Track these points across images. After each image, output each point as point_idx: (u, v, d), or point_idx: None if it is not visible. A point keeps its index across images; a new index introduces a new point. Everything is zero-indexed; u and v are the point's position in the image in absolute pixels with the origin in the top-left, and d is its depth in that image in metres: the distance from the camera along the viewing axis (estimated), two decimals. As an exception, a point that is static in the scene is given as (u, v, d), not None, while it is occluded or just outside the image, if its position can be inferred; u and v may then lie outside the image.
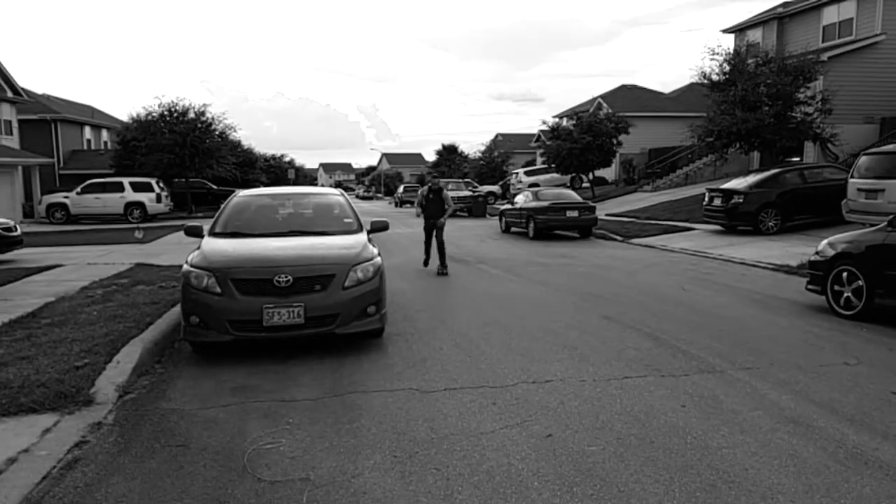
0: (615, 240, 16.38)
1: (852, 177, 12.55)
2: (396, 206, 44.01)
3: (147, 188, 26.28)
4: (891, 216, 6.67)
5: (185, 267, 5.78)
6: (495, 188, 36.45)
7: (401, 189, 47.02)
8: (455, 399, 4.59)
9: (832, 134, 19.31)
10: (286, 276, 5.49)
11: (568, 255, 13.23)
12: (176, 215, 27.73)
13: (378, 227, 7.22)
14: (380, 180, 79.80)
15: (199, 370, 5.39)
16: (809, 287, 7.73)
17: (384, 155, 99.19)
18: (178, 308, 6.40)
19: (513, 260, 12.63)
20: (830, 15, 23.93)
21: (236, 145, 34.24)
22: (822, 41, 23.89)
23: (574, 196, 18.21)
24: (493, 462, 3.58)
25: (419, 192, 11.57)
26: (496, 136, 57.12)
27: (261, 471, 3.50)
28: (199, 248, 6.14)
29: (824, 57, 21.10)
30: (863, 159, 12.54)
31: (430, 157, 60.43)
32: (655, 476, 3.39)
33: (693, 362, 5.40)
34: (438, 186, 11.29)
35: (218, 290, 5.48)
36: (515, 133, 60.18)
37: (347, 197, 7.91)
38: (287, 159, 52.00)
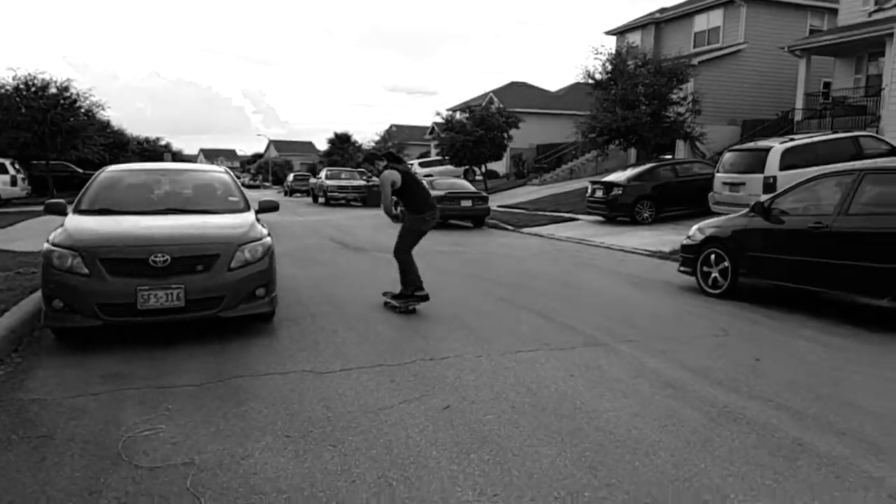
0: (507, 229, 16.82)
1: (718, 172, 13.62)
2: (287, 194, 42.72)
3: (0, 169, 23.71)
4: (753, 203, 7.28)
5: (46, 246, 5.22)
6: (389, 179, 36.23)
7: (291, 177, 45.72)
8: (351, 378, 4.49)
9: (701, 133, 20.90)
10: (163, 256, 5.11)
11: (462, 244, 13.41)
12: (35, 200, 25.16)
13: (267, 208, 6.93)
14: (268, 168, 76.98)
15: (63, 359, 4.90)
16: (682, 269, 8.30)
17: (272, 142, 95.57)
18: (38, 294, 5.80)
19: (406, 247, 12.58)
20: (701, 23, 25.89)
21: (105, 125, 31.61)
22: (694, 46, 25.80)
23: (468, 186, 18.48)
24: (391, 436, 3.53)
25: (386, 180, 6.69)
26: (390, 127, 56.79)
27: (138, 458, 3.23)
28: (62, 226, 5.58)
29: (695, 61, 22.81)
30: (727, 156, 13.65)
31: (322, 145, 59.07)
32: (548, 439, 3.49)
33: (580, 337, 5.63)
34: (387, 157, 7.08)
35: (85, 270, 5.00)
36: (410, 125, 60.20)
37: (233, 175, 7.50)
38: (163, 143, 48.83)
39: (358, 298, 7.35)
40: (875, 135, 14.04)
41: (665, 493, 2.92)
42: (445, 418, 3.78)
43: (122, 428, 3.60)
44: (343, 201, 28.74)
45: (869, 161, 10.23)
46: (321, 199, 29.95)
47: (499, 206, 21.39)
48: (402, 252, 6.80)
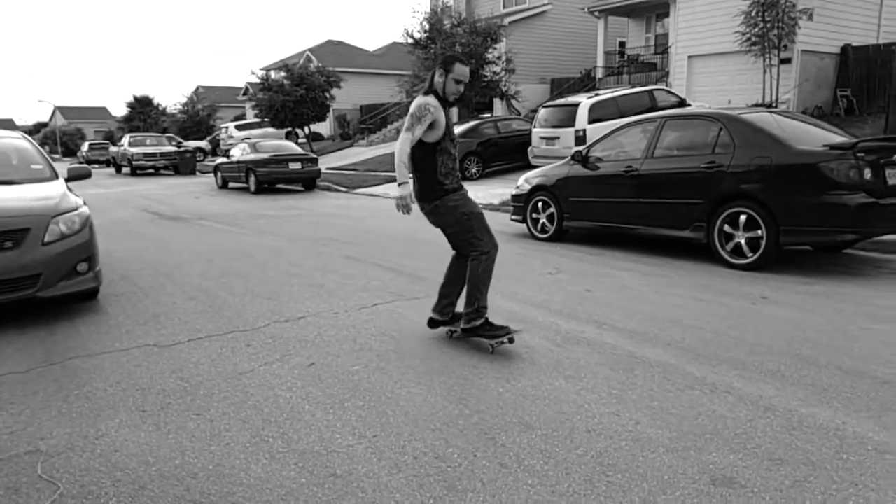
0: (340, 191, 16.62)
1: (535, 127, 14.57)
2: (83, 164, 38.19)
3: None
4: (573, 152, 7.94)
5: None
6: (203, 144, 33.88)
7: (86, 146, 40.90)
8: (203, 348, 4.27)
9: (516, 91, 22.08)
10: (-41, 235, 4.43)
11: (296, 207, 13.04)
12: None
13: (78, 175, 6.27)
14: (55, 139, 67.76)
15: None
16: (513, 218, 8.86)
17: (58, 109, 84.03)
18: None
19: (238, 214, 11.99)
20: (508, -18, 27.03)
21: None
22: (504, 7, 26.95)
23: (295, 148, 17.89)
24: (258, 397, 3.45)
25: (423, 114, 4.02)
26: (197, 89, 52.52)
27: (-33, 455, 2.84)
28: None
29: (506, 21, 23.84)
30: (542, 112, 14.62)
31: (118, 111, 53.20)
32: (417, 380, 3.63)
33: (431, 286, 5.82)
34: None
35: None
36: (219, 86, 56.07)
37: (32, 140, 6.60)
38: None
39: (191, 267, 6.91)
40: (666, 88, 15.88)
41: (529, 411, 3.21)
42: (312, 374, 3.76)
43: (-65, 429, 3.12)
44: (151, 170, 26.41)
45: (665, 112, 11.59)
46: (126, 169, 27.21)
47: (328, 168, 21.01)
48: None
